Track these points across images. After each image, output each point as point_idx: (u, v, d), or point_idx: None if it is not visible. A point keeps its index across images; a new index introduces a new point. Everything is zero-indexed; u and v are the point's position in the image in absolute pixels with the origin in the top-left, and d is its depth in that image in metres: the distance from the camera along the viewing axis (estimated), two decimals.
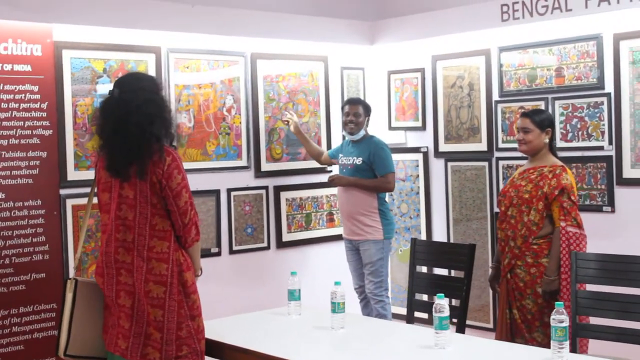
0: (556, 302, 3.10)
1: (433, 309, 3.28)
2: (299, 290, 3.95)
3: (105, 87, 4.76)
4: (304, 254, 5.91)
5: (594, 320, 3.93)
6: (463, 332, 4.15)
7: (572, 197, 4.06)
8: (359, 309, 5.52)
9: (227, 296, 5.36)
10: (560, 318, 3.02)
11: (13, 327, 4.46)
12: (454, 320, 4.27)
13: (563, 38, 5.14)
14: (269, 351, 3.32)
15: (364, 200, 5.30)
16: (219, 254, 5.41)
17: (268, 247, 5.71)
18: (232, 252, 5.49)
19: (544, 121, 4.21)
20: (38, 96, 4.57)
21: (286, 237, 5.80)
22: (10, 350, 4.45)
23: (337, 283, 3.66)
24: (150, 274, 3.34)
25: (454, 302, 4.51)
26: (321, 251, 6.01)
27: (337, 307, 3.63)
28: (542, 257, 4.08)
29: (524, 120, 4.22)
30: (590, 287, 3.96)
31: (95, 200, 3.61)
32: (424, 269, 5.42)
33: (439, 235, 5.98)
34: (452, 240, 5.86)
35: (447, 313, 3.26)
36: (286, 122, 5.69)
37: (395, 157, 6.13)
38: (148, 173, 3.34)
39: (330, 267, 5.84)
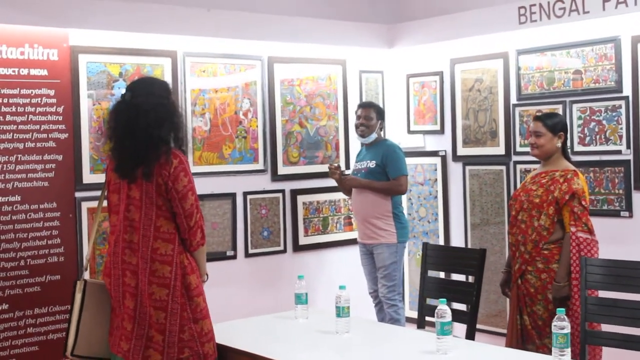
0: (557, 309, 3.05)
1: (435, 314, 3.26)
2: (306, 293, 3.95)
3: (121, 91, 4.79)
4: (320, 258, 5.90)
5: (605, 328, 3.86)
6: (473, 338, 4.12)
7: (583, 202, 3.99)
8: (374, 313, 5.49)
9: (242, 300, 5.37)
10: (561, 325, 2.98)
11: (28, 328, 4.52)
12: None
13: (581, 40, 5.06)
14: (271, 355, 3.33)
15: (378, 204, 5.27)
16: (234, 257, 5.42)
17: (284, 251, 5.71)
18: (247, 255, 5.50)
19: (556, 125, 4.15)
20: (54, 100, 4.63)
21: (303, 240, 5.79)
22: (25, 350, 4.51)
23: (341, 287, 3.65)
24: (153, 275, 3.37)
25: (467, 307, 4.46)
26: (338, 255, 5.99)
27: (341, 311, 3.63)
28: (552, 263, 4.02)
29: (536, 124, 4.17)
30: (601, 294, 3.89)
31: (105, 202, 3.65)
32: (442, 274, 5.40)
33: (457, 239, 5.93)
34: (469, 245, 5.79)
35: (449, 318, 3.24)
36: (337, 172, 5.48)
37: (414, 160, 6.12)
38: (154, 174, 3.38)
39: (347, 271, 5.81)
